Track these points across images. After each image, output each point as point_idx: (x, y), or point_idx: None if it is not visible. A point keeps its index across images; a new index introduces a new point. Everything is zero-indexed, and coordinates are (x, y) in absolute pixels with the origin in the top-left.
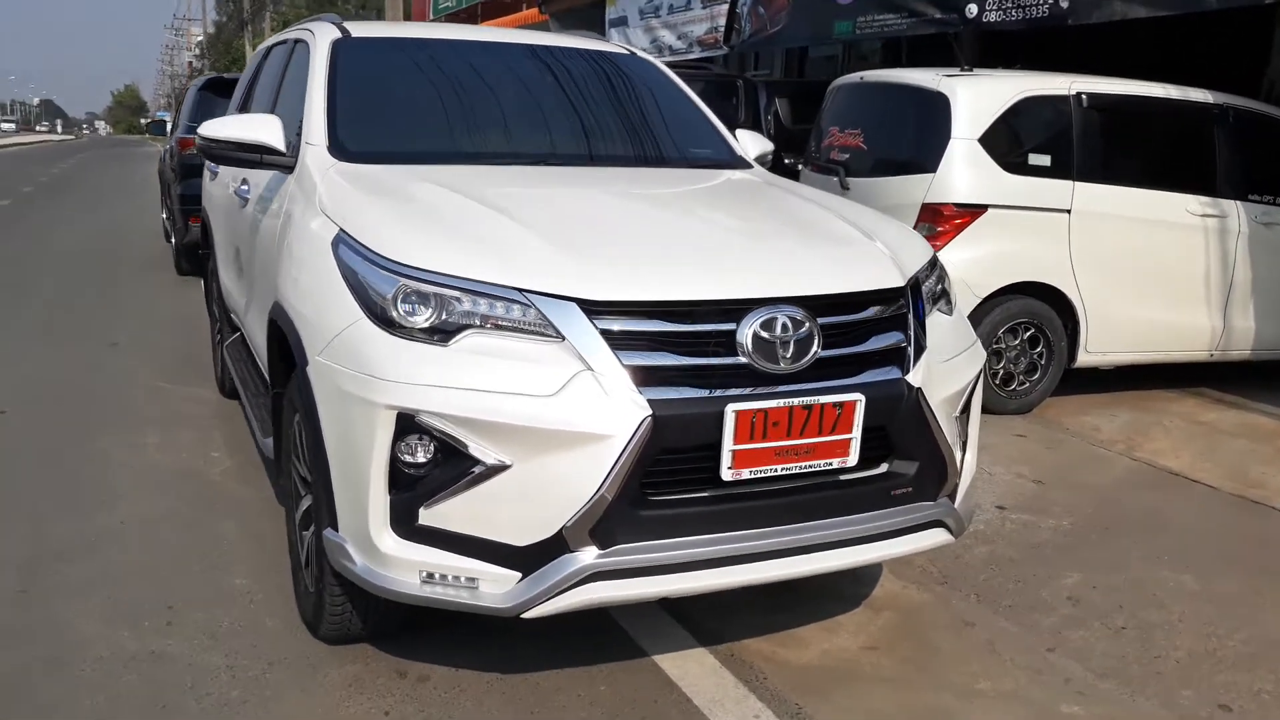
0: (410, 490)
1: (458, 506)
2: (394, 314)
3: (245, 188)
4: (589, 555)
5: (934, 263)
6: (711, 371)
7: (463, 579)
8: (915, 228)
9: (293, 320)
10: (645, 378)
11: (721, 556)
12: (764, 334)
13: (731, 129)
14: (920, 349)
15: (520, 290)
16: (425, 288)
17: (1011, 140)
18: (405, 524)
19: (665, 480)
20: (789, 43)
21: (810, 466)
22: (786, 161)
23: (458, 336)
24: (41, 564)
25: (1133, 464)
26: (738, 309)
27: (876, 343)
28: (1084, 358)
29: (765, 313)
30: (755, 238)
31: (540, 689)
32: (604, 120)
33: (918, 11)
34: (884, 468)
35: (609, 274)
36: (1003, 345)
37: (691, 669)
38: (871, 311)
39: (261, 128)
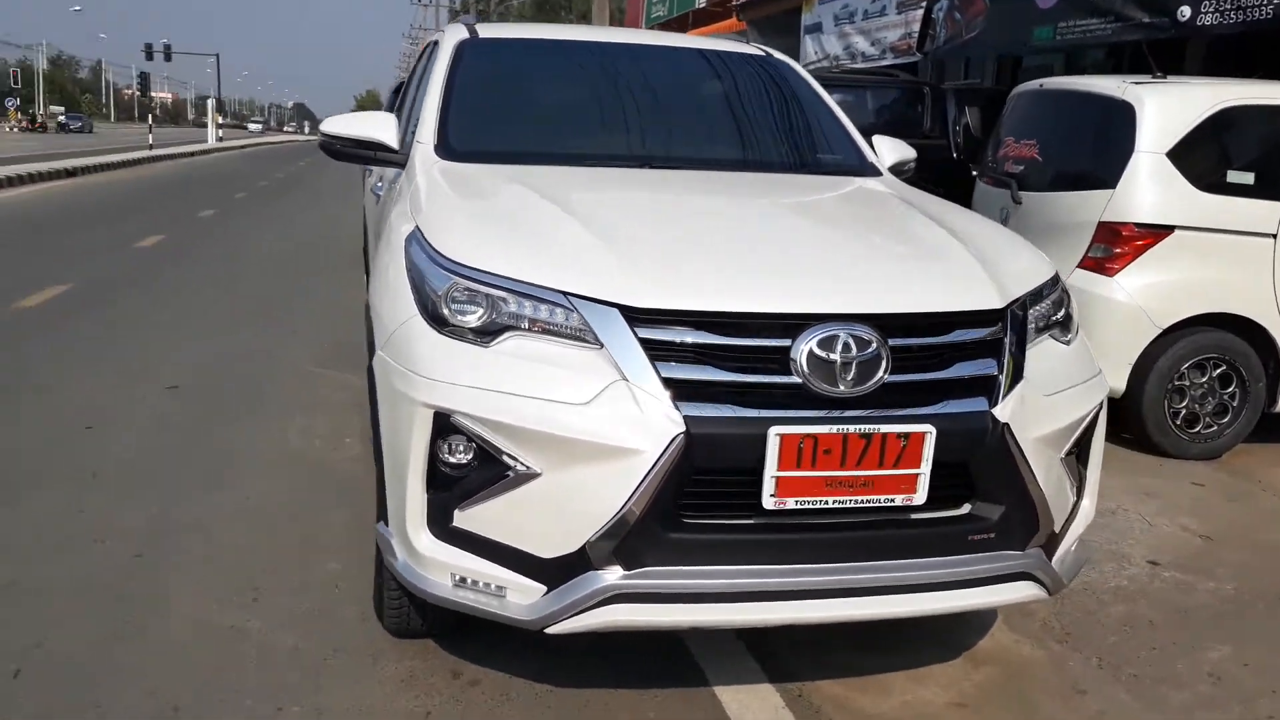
0: (447, 490)
1: (490, 511)
2: (444, 311)
3: (380, 184)
4: (613, 575)
5: (1053, 284)
6: (760, 390)
7: (492, 586)
8: (1090, 248)
9: (370, 313)
10: (686, 392)
11: (761, 590)
12: (822, 353)
13: (916, 138)
14: (1016, 379)
15: (565, 294)
16: (476, 287)
17: (1208, 155)
18: (441, 524)
19: (702, 503)
20: (986, 49)
21: (869, 501)
22: (974, 174)
23: (500, 338)
24: (162, 534)
25: None
26: (796, 324)
27: (961, 370)
28: None
29: (825, 329)
30: (837, 249)
31: (588, 706)
32: (722, 123)
33: (1124, 15)
34: (965, 509)
35: (656, 280)
36: (1187, 383)
37: (752, 705)
38: (957, 335)
39: (376, 125)
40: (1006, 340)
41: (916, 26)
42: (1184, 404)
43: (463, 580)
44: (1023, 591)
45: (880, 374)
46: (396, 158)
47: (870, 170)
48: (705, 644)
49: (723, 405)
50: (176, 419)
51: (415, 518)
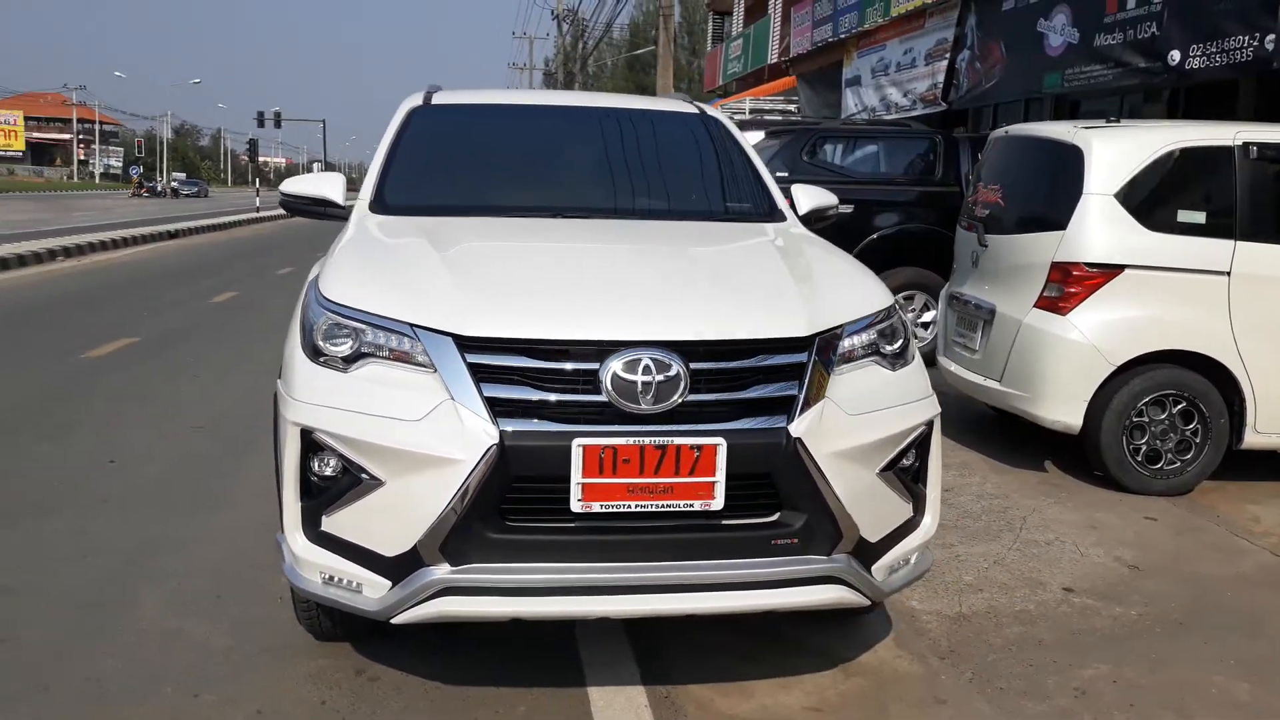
0: (315, 499)
1: (348, 516)
2: (318, 342)
3: None
4: (442, 570)
5: (885, 317)
6: (570, 407)
7: (352, 583)
8: (1045, 288)
9: None
10: (506, 409)
11: (576, 586)
12: (625, 375)
13: (929, 186)
14: (817, 399)
15: (410, 325)
16: (344, 321)
17: (1157, 196)
18: (313, 528)
19: (524, 508)
20: (1002, 97)
21: (670, 506)
22: None
23: (358, 364)
24: (149, 552)
25: (1274, 561)
26: (604, 350)
27: (761, 390)
28: (1253, 438)
29: (629, 354)
30: (668, 285)
31: (467, 701)
32: (637, 176)
33: (1122, 61)
34: (775, 516)
35: (485, 312)
36: (1146, 419)
37: (617, 703)
38: (758, 360)
39: (326, 184)
40: (810, 365)
41: (942, 77)
42: (1144, 440)
43: (330, 578)
44: (830, 594)
45: (679, 393)
46: (341, 212)
47: (777, 217)
48: (597, 647)
49: (536, 420)
50: (196, 454)
51: (292, 523)
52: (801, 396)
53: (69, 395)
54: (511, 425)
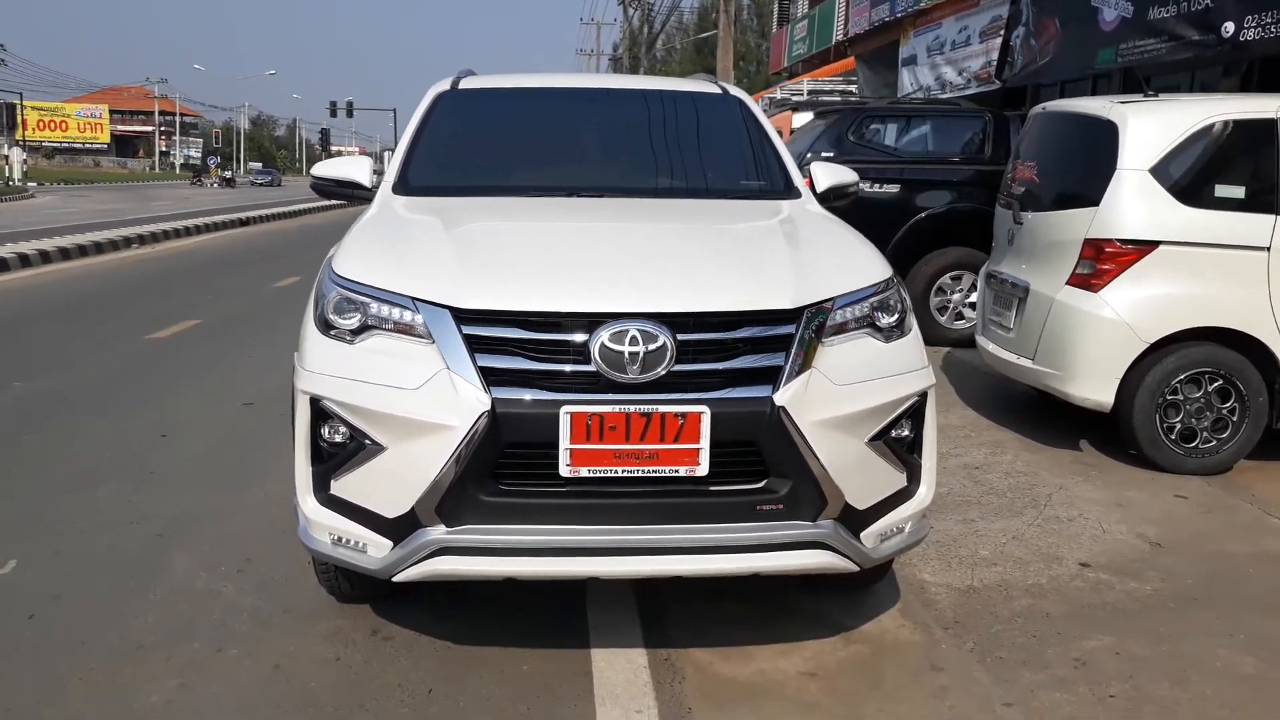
0: (324, 464)
1: (354, 480)
2: (329, 316)
3: None
4: (438, 531)
5: (881, 290)
6: (560, 376)
7: (357, 543)
8: (1077, 265)
9: None
10: (499, 378)
11: (566, 547)
12: (613, 345)
13: (978, 165)
14: (801, 370)
15: (412, 299)
16: (353, 295)
17: (1194, 171)
18: (322, 492)
19: (516, 472)
20: (1056, 75)
21: (656, 471)
22: None
23: (364, 336)
24: (188, 520)
25: None
26: (594, 321)
27: (747, 360)
28: None
29: (617, 325)
30: (663, 259)
31: (472, 659)
32: (654, 156)
33: (1176, 34)
34: (762, 483)
35: (481, 286)
36: (1180, 397)
37: (618, 665)
38: (745, 331)
39: (354, 168)
40: (797, 336)
41: (996, 55)
42: (1178, 419)
43: (338, 539)
44: (815, 559)
45: (666, 363)
46: (367, 194)
47: (792, 194)
48: (604, 612)
49: (527, 389)
50: (242, 430)
51: (304, 487)
52: (787, 367)
53: (129, 375)
54: (504, 393)
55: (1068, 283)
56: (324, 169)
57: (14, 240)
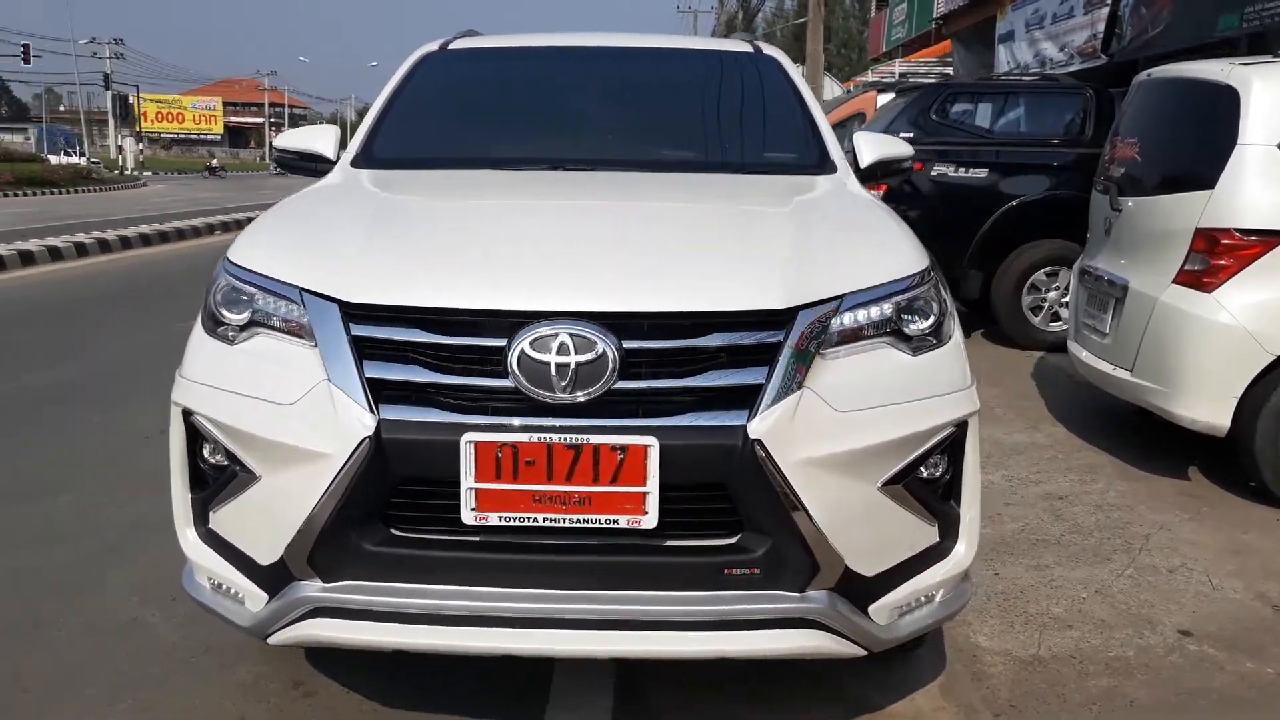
0: (204, 490)
1: (230, 514)
2: (216, 310)
3: None
4: (312, 587)
5: (908, 286)
6: (468, 393)
7: (235, 592)
8: (1186, 260)
9: None
10: (392, 393)
11: (469, 615)
12: (536, 355)
13: (1078, 147)
14: (789, 391)
15: (300, 290)
16: (240, 285)
17: None
18: (202, 525)
19: (412, 515)
20: (1171, 44)
21: (588, 521)
22: None
23: (248, 335)
24: (133, 534)
25: None
26: (516, 323)
27: (716, 378)
28: None
29: (542, 328)
30: (626, 246)
31: None
32: (662, 125)
33: None
34: (734, 539)
35: (380, 276)
36: None
37: None
38: (715, 339)
39: (317, 138)
40: (787, 346)
41: (1102, 27)
42: None
43: (217, 585)
44: (803, 642)
45: (606, 378)
46: (330, 168)
47: (827, 168)
48: (569, 677)
49: (426, 409)
50: None
51: (182, 517)
52: (769, 386)
53: (141, 365)
54: (396, 414)
55: (1174, 281)
56: (286, 139)
57: (79, 230)
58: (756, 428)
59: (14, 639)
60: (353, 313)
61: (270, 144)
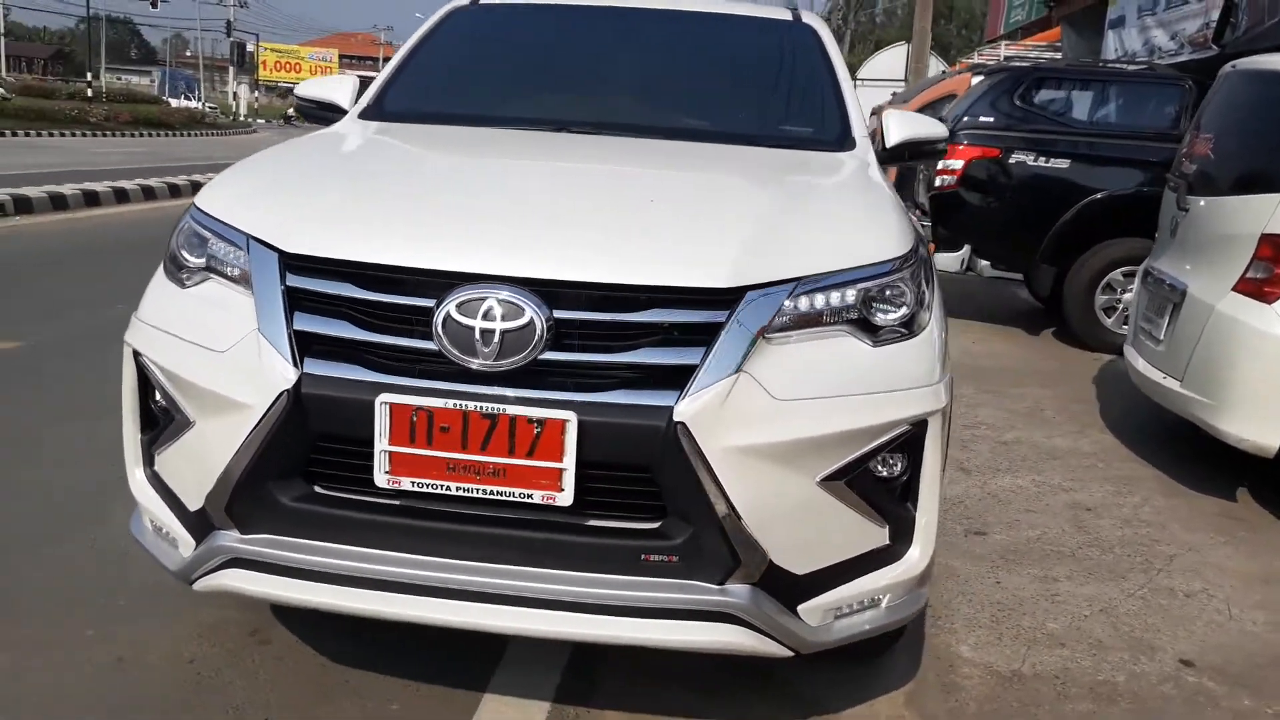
0: (150, 432)
1: (170, 457)
2: (176, 251)
3: None
4: (230, 536)
5: (881, 271)
6: (392, 353)
7: (170, 535)
8: (1249, 266)
9: None
10: (319, 347)
11: (379, 579)
12: (461, 318)
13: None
14: (723, 375)
15: (248, 236)
16: (199, 229)
17: None
18: (149, 464)
19: (332, 474)
20: None
21: (502, 494)
22: None
23: (198, 281)
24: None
25: None
26: (446, 284)
27: (649, 355)
28: None
29: (471, 291)
30: (581, 212)
31: (340, 686)
32: (675, 91)
33: None
34: (657, 524)
35: (319, 226)
36: None
37: (505, 716)
38: (652, 315)
39: (334, 87)
40: (728, 327)
41: (1216, 14)
42: None
43: (157, 528)
44: (720, 636)
45: (533, 348)
46: (341, 118)
47: (846, 145)
48: (522, 650)
49: (350, 366)
50: None
51: (131, 457)
52: (703, 368)
53: None
54: (318, 369)
55: (1234, 288)
56: (306, 88)
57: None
58: (682, 410)
59: (13, 551)
60: (290, 263)
61: None
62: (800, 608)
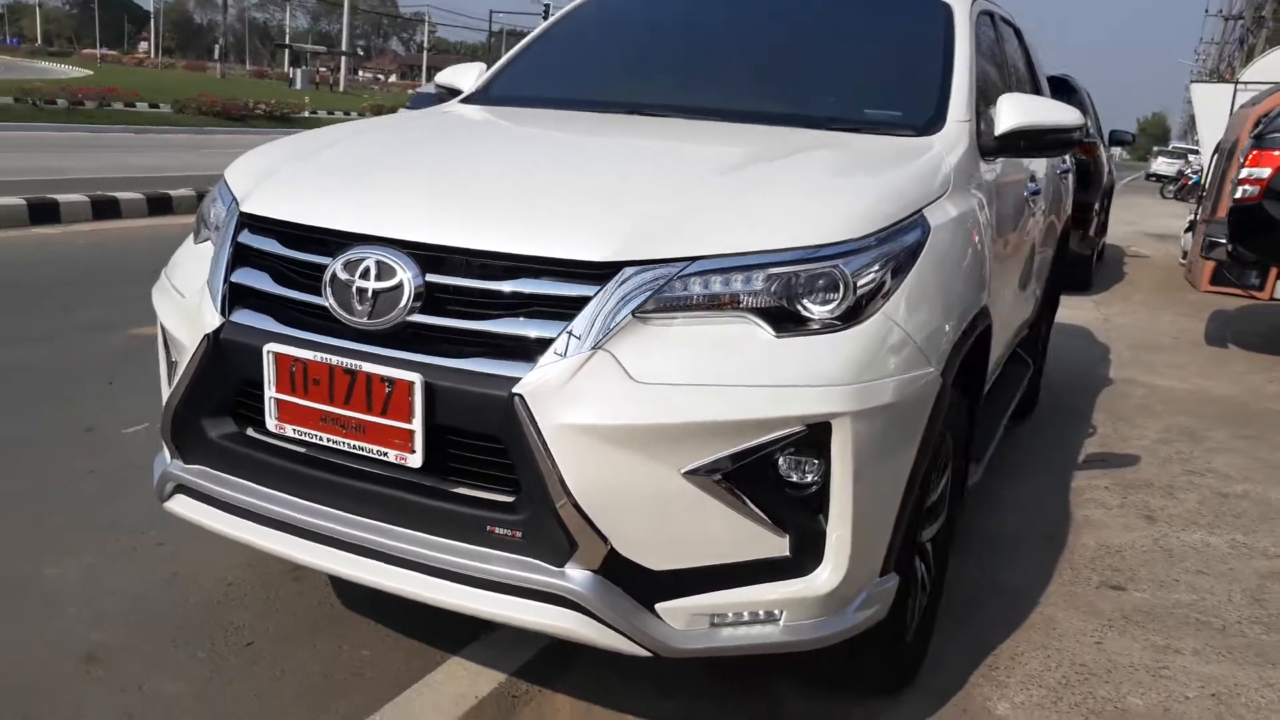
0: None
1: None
2: (202, 211)
3: None
4: (177, 465)
5: (813, 255)
6: (289, 306)
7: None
8: None
9: None
10: (247, 299)
11: (281, 520)
12: (343, 276)
13: None
14: (576, 349)
15: (234, 197)
16: (218, 192)
17: None
18: None
19: (251, 417)
20: None
21: (362, 449)
22: None
23: (204, 237)
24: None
25: None
26: (339, 243)
27: (511, 325)
28: None
29: (356, 252)
30: (501, 183)
31: (329, 623)
32: (771, 74)
33: None
34: (513, 498)
35: (271, 186)
36: None
37: (454, 684)
38: (520, 284)
39: (461, 75)
40: (601, 301)
41: None
42: None
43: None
44: (562, 622)
45: (401, 308)
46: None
47: (933, 129)
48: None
49: (259, 316)
50: None
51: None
52: (559, 342)
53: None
54: (240, 317)
55: None
56: (444, 76)
57: None
58: (524, 382)
59: (48, 447)
60: (243, 220)
61: None
62: (660, 606)
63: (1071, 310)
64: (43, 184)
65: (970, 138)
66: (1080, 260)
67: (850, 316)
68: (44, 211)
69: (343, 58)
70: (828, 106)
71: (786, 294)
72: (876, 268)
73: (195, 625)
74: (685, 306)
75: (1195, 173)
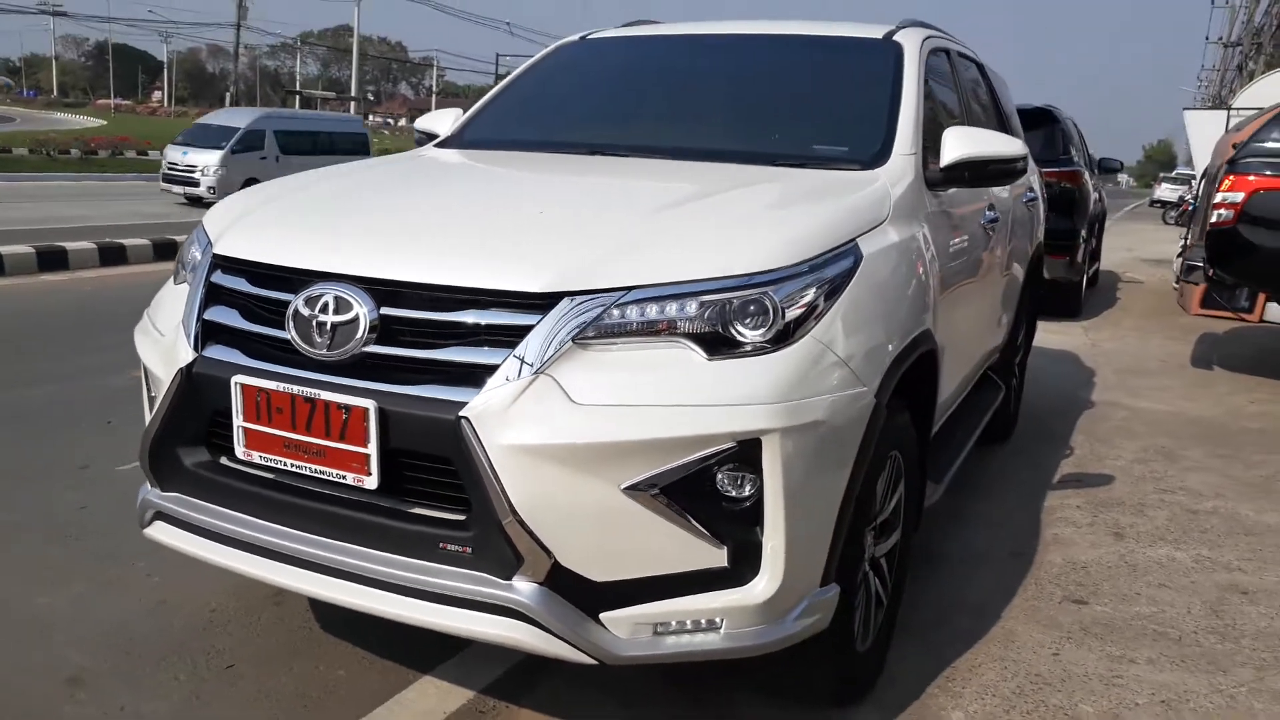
0: None
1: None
2: (182, 254)
3: None
4: (155, 492)
5: (742, 284)
6: (255, 340)
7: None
8: None
9: None
10: (218, 335)
11: (243, 541)
12: (304, 311)
13: None
14: (518, 374)
15: (209, 239)
16: (196, 235)
17: None
18: None
19: (223, 445)
20: None
21: (323, 473)
22: None
23: (183, 279)
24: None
25: None
26: (301, 280)
27: (458, 353)
28: None
29: (318, 288)
30: (451, 221)
31: (307, 647)
32: (724, 113)
33: None
34: (464, 516)
35: (241, 228)
36: None
37: (424, 700)
38: (466, 315)
39: (439, 120)
40: (540, 330)
41: None
42: None
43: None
44: (510, 632)
45: (358, 340)
46: None
47: (878, 162)
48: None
49: (228, 350)
50: None
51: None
52: (504, 368)
53: None
54: (211, 352)
55: None
56: (423, 121)
57: None
58: (470, 406)
59: (45, 482)
60: (215, 261)
61: None
62: (604, 616)
63: (1060, 336)
64: (53, 232)
65: (916, 170)
66: (1069, 287)
67: (780, 339)
68: (52, 259)
69: (352, 102)
70: (778, 143)
71: (720, 319)
72: (809, 294)
73: (178, 649)
74: (623, 333)
75: (1195, 198)
